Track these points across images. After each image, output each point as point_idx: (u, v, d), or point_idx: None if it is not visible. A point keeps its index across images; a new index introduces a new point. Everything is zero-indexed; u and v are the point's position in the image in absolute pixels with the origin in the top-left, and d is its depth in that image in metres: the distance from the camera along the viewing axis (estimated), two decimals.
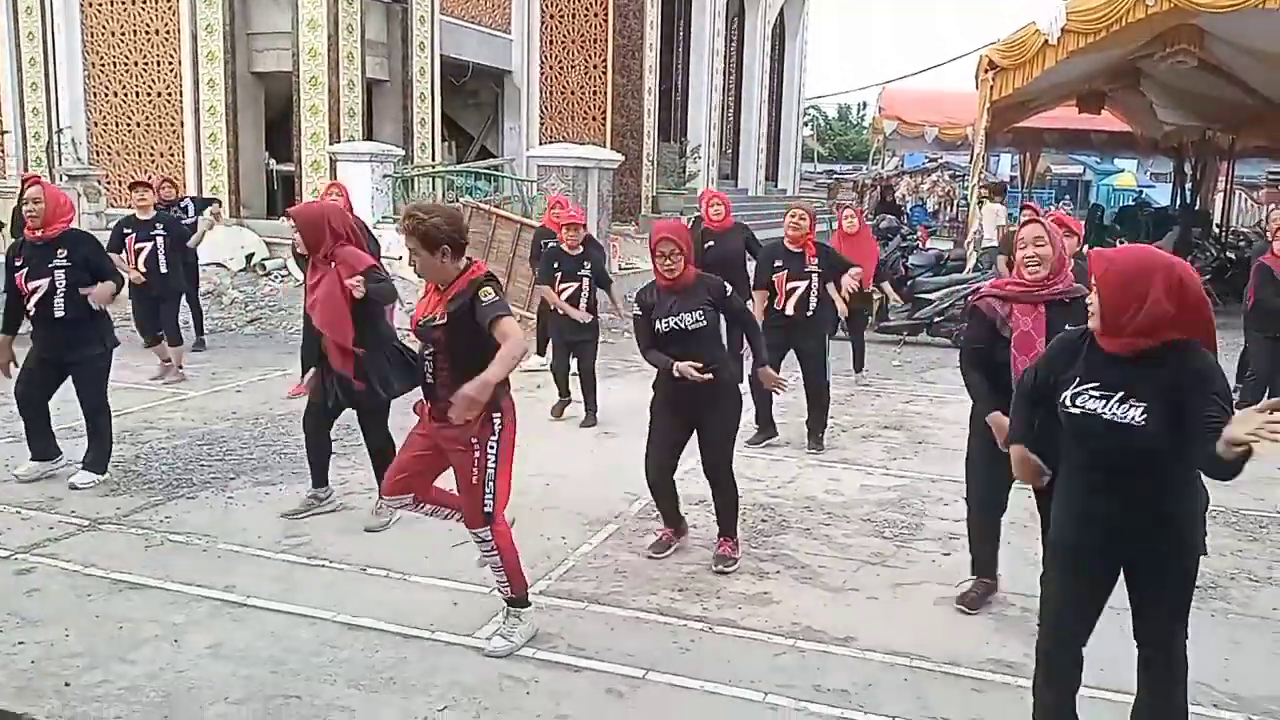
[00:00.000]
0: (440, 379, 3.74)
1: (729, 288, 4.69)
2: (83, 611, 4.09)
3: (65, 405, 5.88)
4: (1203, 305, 2.78)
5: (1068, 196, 46.87)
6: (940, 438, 7.24)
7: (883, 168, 27.08)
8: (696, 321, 4.56)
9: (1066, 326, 3.59)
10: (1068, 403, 2.85)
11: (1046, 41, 12.55)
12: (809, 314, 6.70)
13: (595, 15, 19.65)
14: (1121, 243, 16.23)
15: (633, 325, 4.96)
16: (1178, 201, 25.11)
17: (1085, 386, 2.82)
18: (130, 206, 8.76)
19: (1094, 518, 2.90)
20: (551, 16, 19.88)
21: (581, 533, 5.13)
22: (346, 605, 4.18)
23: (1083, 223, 20.80)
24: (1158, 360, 2.74)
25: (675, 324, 4.57)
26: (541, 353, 8.69)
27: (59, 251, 5.58)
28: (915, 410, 8.25)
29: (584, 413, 7.50)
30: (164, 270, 8.50)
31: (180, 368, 8.67)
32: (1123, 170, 43.89)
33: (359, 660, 3.75)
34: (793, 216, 6.69)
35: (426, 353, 3.79)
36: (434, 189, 15.15)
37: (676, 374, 4.52)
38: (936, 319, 11.45)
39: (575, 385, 7.63)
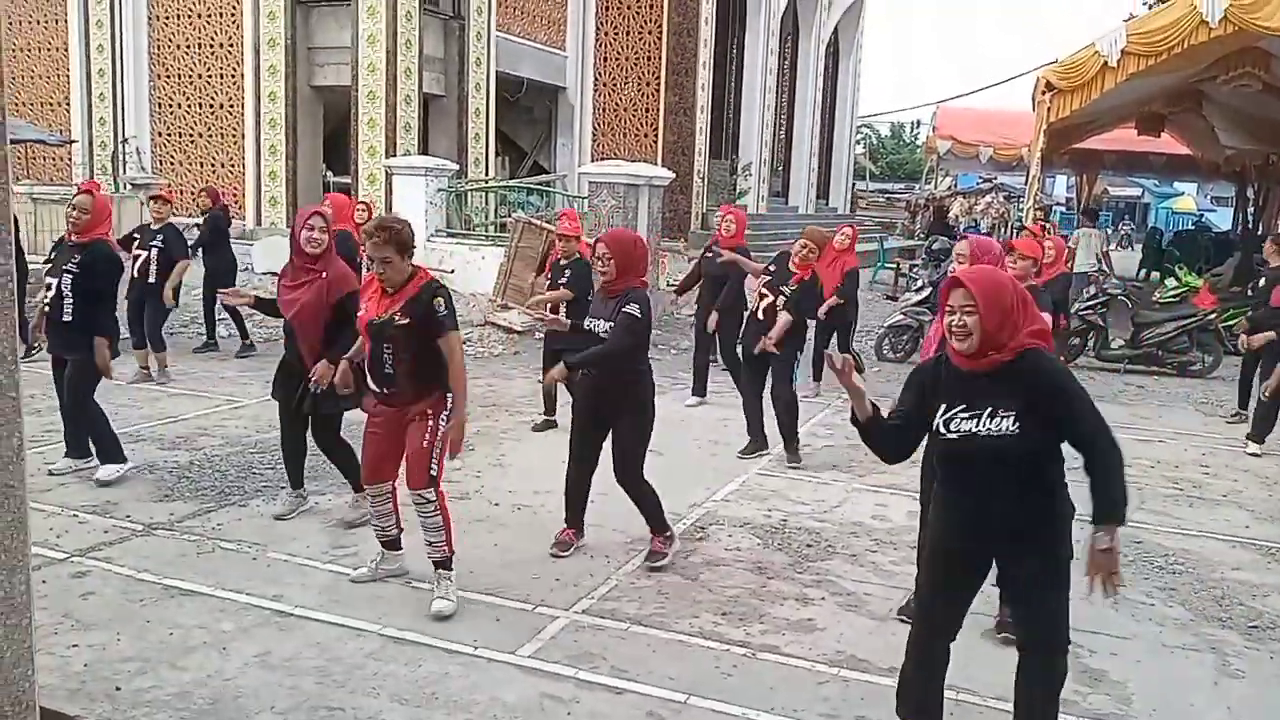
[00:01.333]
0: (401, 369, 4.20)
1: (637, 308, 4.73)
2: (135, 616, 4.17)
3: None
4: (1037, 314, 3.04)
5: (1126, 217, 46.11)
6: None
7: (935, 187, 26.84)
8: (606, 331, 4.76)
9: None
10: (943, 429, 2.99)
11: (1106, 63, 12.39)
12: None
13: (649, 33, 19.77)
14: (1180, 268, 15.93)
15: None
16: (1239, 226, 24.58)
17: (954, 411, 2.96)
18: (190, 215, 9.08)
19: (969, 524, 3.07)
20: (606, 34, 20.05)
21: (625, 552, 5.12)
22: (392, 618, 4.21)
23: (1140, 245, 20.40)
24: (1012, 370, 2.92)
25: (592, 326, 4.83)
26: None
27: (74, 257, 5.76)
28: None
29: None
30: (151, 279, 8.72)
31: (165, 368, 8.84)
32: (1182, 193, 43.07)
33: (403, 674, 3.77)
34: (802, 247, 6.88)
35: (386, 348, 4.18)
36: (486, 203, 15.31)
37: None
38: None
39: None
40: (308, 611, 4.26)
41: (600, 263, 4.79)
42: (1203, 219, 33.44)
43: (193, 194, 16.27)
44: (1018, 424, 2.87)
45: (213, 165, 16.31)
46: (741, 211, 9.03)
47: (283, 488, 5.97)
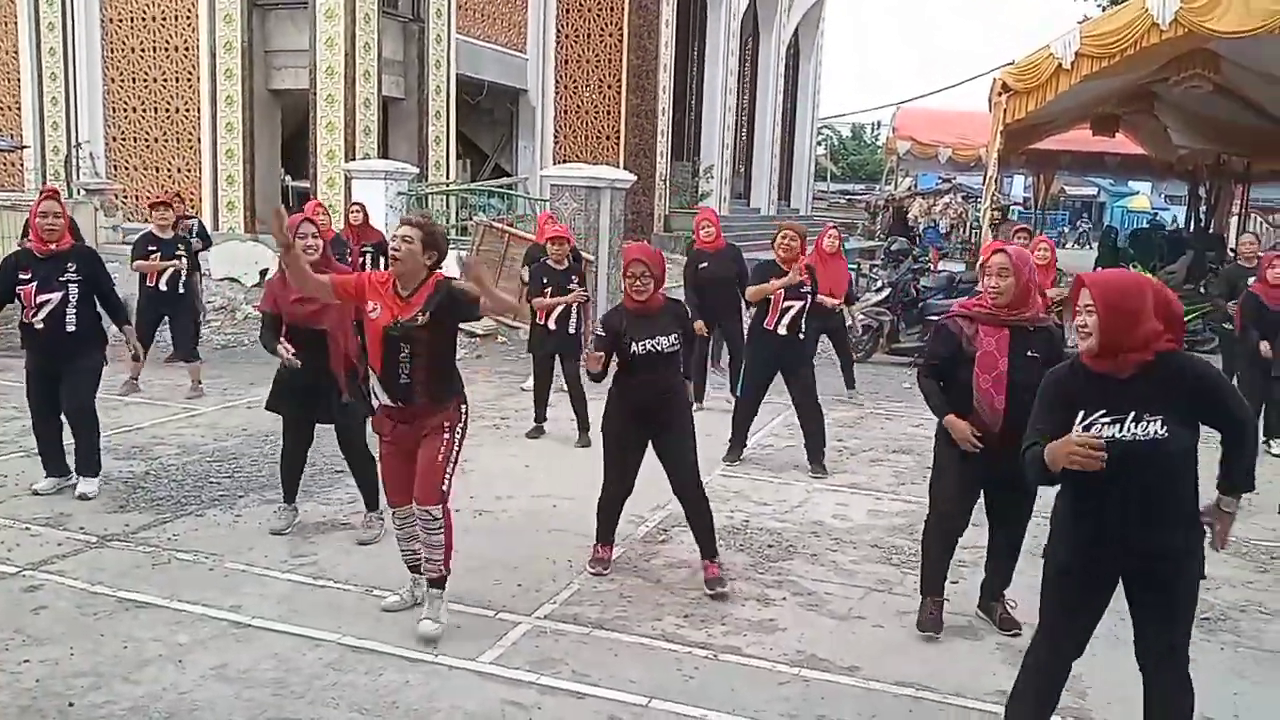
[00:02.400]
0: (417, 377, 4.01)
1: (690, 310, 4.84)
2: (88, 630, 4.10)
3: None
4: (1182, 319, 2.99)
5: (1085, 216, 46.79)
6: None
7: (895, 188, 27.10)
8: (672, 345, 4.66)
9: (1028, 352, 3.92)
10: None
11: (1060, 65, 12.53)
12: (800, 335, 6.73)
13: (610, 36, 19.78)
14: (1135, 266, 16.20)
15: (591, 344, 4.99)
16: (1191, 224, 25.03)
17: (1095, 416, 2.84)
18: (147, 221, 8.88)
19: (1102, 538, 2.94)
20: (567, 37, 20.04)
21: (587, 556, 5.11)
22: (351, 627, 4.18)
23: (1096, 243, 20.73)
24: (1154, 372, 2.85)
25: (653, 347, 4.62)
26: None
27: (69, 266, 5.64)
28: (925, 434, 8.15)
29: (579, 435, 7.36)
30: (181, 290, 8.62)
31: (199, 384, 8.73)
32: (1137, 192, 43.83)
33: (363, 684, 3.74)
34: (784, 237, 6.68)
35: (402, 355, 3.99)
36: (448, 206, 15.25)
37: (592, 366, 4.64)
38: None
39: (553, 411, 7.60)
40: (265, 622, 4.21)
41: (639, 281, 4.59)
42: (1157, 217, 34.01)
43: (147, 199, 16.11)
44: (1165, 428, 2.80)
45: (168, 170, 16.09)
46: (714, 213, 9.05)
47: (240, 497, 5.92)
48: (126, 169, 16.31)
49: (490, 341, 11.92)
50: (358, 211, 9.92)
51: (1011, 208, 25.11)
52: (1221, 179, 22.62)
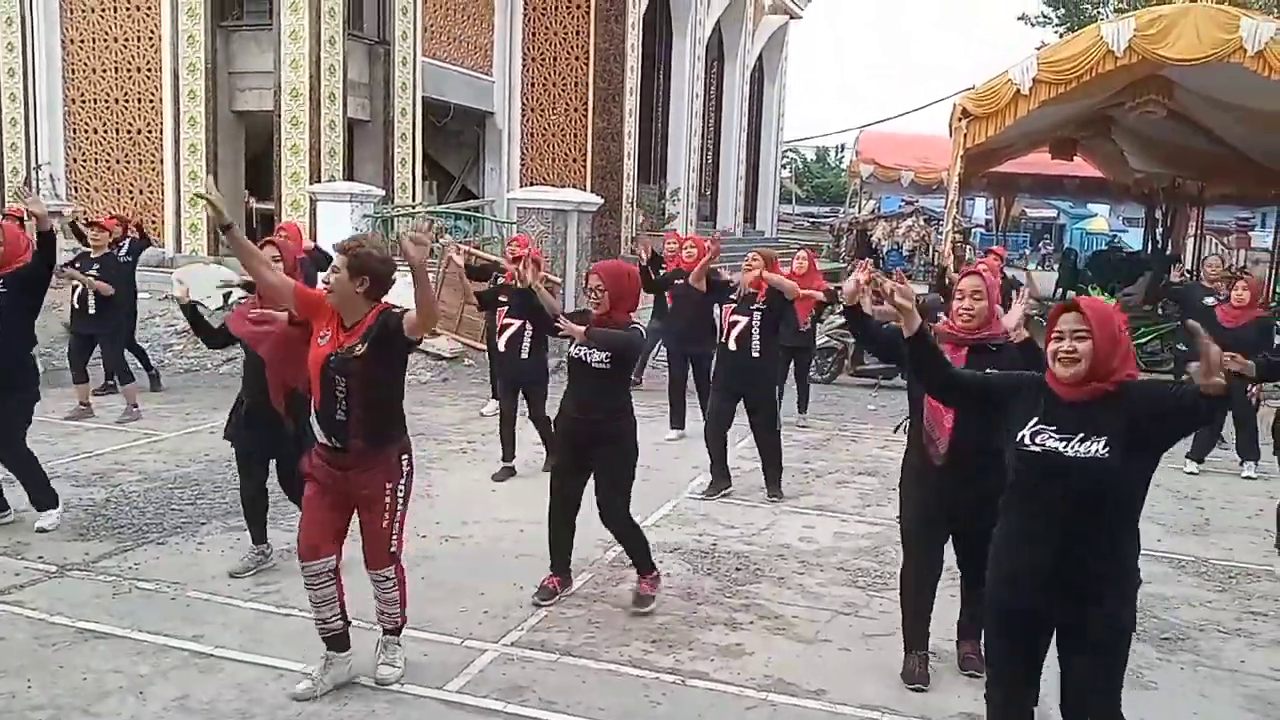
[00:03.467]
0: (354, 415, 3.69)
1: (638, 328, 4.71)
2: (46, 662, 4.03)
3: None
4: (1131, 349, 2.99)
5: (1046, 238, 47.48)
6: None
7: (859, 211, 27.38)
8: (600, 362, 4.56)
9: (987, 370, 3.75)
10: (1026, 441, 2.89)
11: (1019, 91, 12.76)
12: (754, 355, 6.59)
13: (576, 59, 19.88)
14: (1093, 289, 16.47)
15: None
16: (1149, 246, 25.48)
17: (1043, 428, 2.88)
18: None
19: (1033, 571, 2.89)
20: (533, 60, 20.12)
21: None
22: (315, 656, 4.11)
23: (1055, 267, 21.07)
24: (1111, 398, 2.85)
25: (583, 355, 4.59)
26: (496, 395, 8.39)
27: None
28: (890, 456, 8.25)
29: (544, 457, 7.19)
30: (92, 311, 8.39)
31: (135, 405, 8.56)
32: (1096, 215, 44.54)
33: (327, 713, 3.71)
34: (749, 259, 6.66)
35: (339, 390, 3.68)
36: (414, 229, 15.20)
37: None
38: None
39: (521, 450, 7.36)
40: (228, 652, 4.16)
41: (593, 294, 4.58)
42: (1116, 239, 34.60)
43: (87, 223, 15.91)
44: (1108, 448, 2.79)
45: (130, 191, 15.92)
46: (700, 237, 9.05)
47: (203, 524, 5.85)
48: (88, 190, 16.13)
49: (457, 364, 11.88)
50: (286, 237, 9.68)
51: (973, 230, 25.48)
52: (1177, 202, 23.07)
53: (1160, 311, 15.27)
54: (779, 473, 6.87)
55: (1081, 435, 2.82)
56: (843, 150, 59.18)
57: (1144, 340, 14.42)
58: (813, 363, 11.37)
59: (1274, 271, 22.72)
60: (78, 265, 8.47)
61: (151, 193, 15.72)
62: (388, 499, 3.81)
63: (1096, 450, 2.79)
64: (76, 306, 8.47)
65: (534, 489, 6.77)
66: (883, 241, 17.74)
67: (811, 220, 34.27)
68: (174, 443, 7.82)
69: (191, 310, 5.17)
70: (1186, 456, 7.93)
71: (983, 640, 3.31)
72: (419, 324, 3.64)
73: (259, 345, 4.78)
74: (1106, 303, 3.16)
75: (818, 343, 11.67)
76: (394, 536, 3.88)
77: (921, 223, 16.11)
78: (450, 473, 7.19)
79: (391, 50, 16.18)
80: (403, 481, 3.86)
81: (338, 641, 3.89)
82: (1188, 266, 23.77)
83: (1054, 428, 2.86)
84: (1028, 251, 41.59)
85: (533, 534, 5.78)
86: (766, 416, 6.83)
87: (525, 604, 4.80)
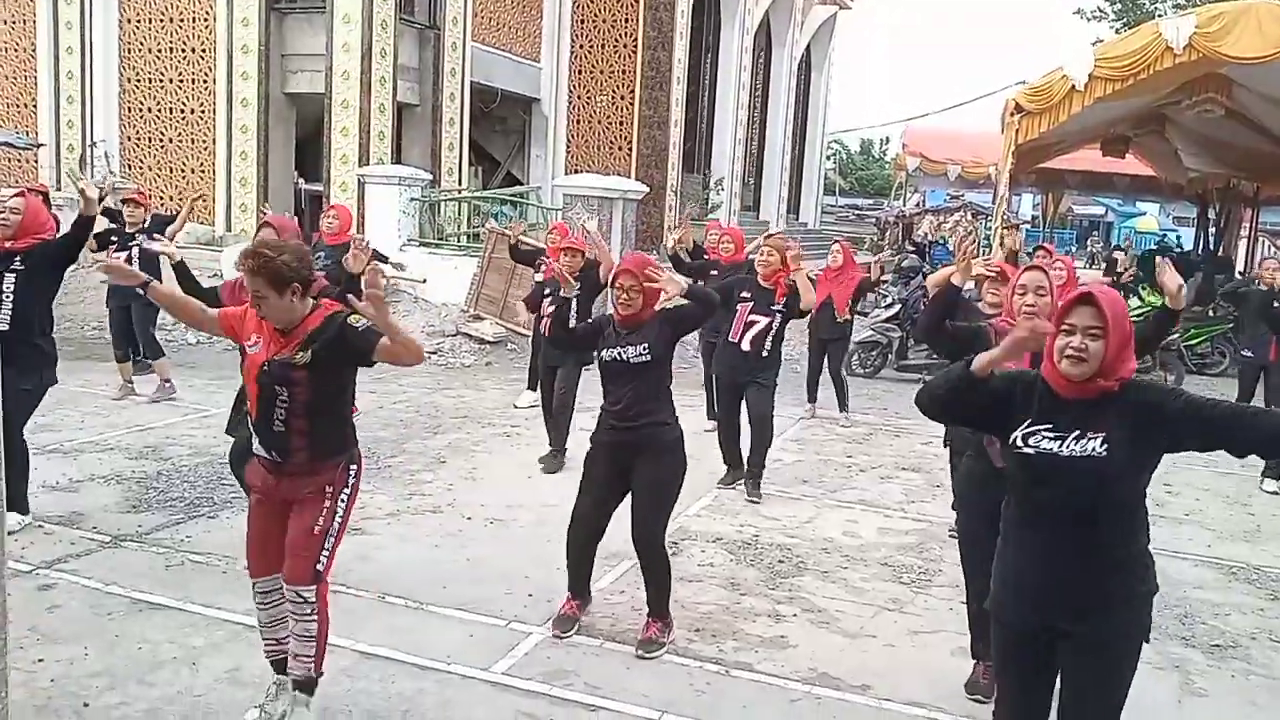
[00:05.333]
0: (294, 426, 3.32)
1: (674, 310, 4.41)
2: (103, 630, 4.12)
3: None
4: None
5: (1094, 234, 46.74)
6: None
7: (904, 204, 27.13)
8: (639, 355, 4.22)
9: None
10: (1019, 443, 2.70)
11: (1074, 87, 12.56)
12: (764, 354, 6.49)
13: (624, 47, 19.84)
14: (1145, 289, 16.22)
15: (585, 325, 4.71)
16: (1200, 247, 25.02)
17: (1037, 428, 2.69)
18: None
19: (1030, 579, 2.74)
20: (581, 47, 20.10)
21: (598, 567, 5.05)
22: (364, 633, 4.19)
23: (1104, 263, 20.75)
24: (1112, 395, 2.67)
25: (619, 355, 4.25)
26: (533, 386, 8.48)
27: (15, 259, 5.17)
28: (934, 452, 8.18)
29: (553, 455, 7.03)
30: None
31: (167, 381, 8.55)
32: (1145, 213, 43.79)
33: (376, 691, 3.76)
34: (762, 253, 6.50)
35: (279, 399, 3.31)
36: (459, 214, 15.29)
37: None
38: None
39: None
40: None
41: (626, 294, 4.24)
42: (1165, 239, 33.99)
43: (159, 200, 16.15)
44: (1105, 445, 2.61)
45: (182, 170, 16.16)
46: (738, 229, 8.98)
47: None
48: (141, 169, 16.38)
49: (500, 349, 11.94)
50: (335, 218, 9.57)
51: (1021, 226, 25.15)
52: (1231, 202, 22.65)
53: (1211, 314, 14.98)
54: (762, 468, 6.64)
55: (1078, 433, 2.64)
56: (888, 143, 58.66)
57: (1194, 342, 14.18)
58: (854, 357, 11.35)
59: None
60: (114, 241, 8.36)
61: (203, 172, 15.93)
62: (326, 503, 3.39)
63: (1093, 449, 2.61)
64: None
65: (575, 475, 6.80)
66: (929, 235, 17.54)
67: (857, 213, 33.95)
68: (223, 418, 7.88)
69: (181, 266, 4.67)
70: (1263, 474, 7.62)
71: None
72: (399, 359, 3.27)
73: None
74: (1115, 292, 2.88)
75: (862, 336, 11.67)
76: (324, 549, 3.40)
77: (969, 218, 15.91)
78: (494, 456, 7.25)
79: (442, 35, 16.25)
80: (345, 492, 3.45)
81: (286, 665, 3.52)
82: (1240, 268, 23.37)
83: (1048, 426, 2.67)
84: (1074, 249, 40.98)
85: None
86: (764, 406, 6.63)
87: None
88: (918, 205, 25.89)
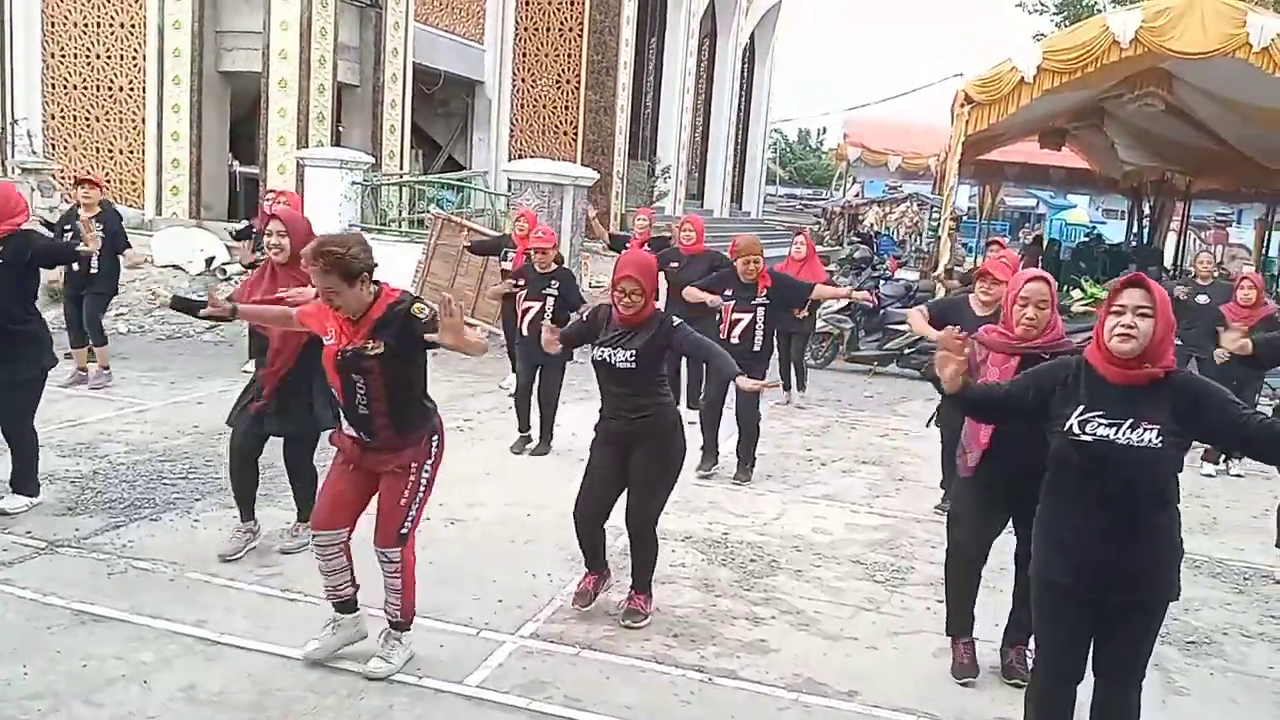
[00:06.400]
0: (375, 409, 3.64)
1: (676, 320, 4.41)
2: (42, 646, 3.83)
3: None
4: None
5: (1026, 226, 47.62)
6: (920, 475, 7.19)
7: (844, 194, 27.26)
8: (625, 361, 4.23)
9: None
10: (1075, 430, 2.84)
11: (1022, 79, 12.65)
12: (755, 348, 6.53)
13: (570, 30, 19.56)
14: (1086, 280, 16.46)
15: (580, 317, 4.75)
16: (1131, 239, 25.57)
17: (1091, 415, 2.83)
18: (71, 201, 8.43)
19: (1086, 555, 2.90)
20: (526, 29, 19.76)
21: (567, 569, 4.95)
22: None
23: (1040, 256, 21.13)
24: (1160, 387, 2.83)
25: (607, 357, 4.27)
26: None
27: None
28: (892, 445, 8.19)
29: (539, 443, 7.19)
30: (94, 269, 7.97)
31: (106, 369, 8.32)
32: (1074, 205, 44.71)
33: (344, 707, 3.54)
34: (745, 262, 6.48)
35: (358, 384, 3.61)
36: (401, 199, 14.91)
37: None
38: (908, 350, 11.44)
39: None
40: (235, 638, 3.98)
41: (629, 297, 4.21)
42: (1094, 230, 34.75)
43: (76, 181, 15.48)
44: (1160, 438, 2.78)
45: (110, 151, 15.48)
46: (698, 217, 8.92)
47: (198, 500, 5.64)
48: (65, 149, 15.65)
49: None
50: (285, 203, 9.37)
51: (961, 218, 25.46)
52: (1164, 196, 23.15)
53: None
54: (751, 455, 6.79)
55: (1131, 421, 2.79)
56: (825, 133, 59.06)
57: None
58: (808, 347, 11.28)
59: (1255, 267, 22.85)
60: (69, 229, 8.05)
61: (132, 153, 15.29)
62: (412, 476, 3.74)
63: (1150, 439, 2.77)
64: (77, 268, 7.99)
65: (540, 471, 6.66)
66: (875, 226, 17.61)
67: (803, 203, 34.05)
68: (160, 413, 7.57)
69: (183, 303, 4.72)
70: (1203, 458, 7.81)
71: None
72: (462, 352, 3.56)
73: (268, 330, 4.68)
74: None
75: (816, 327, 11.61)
76: (408, 517, 3.76)
77: (915, 208, 15.98)
78: (449, 452, 6.96)
79: (383, 14, 15.80)
80: (429, 462, 3.79)
81: (347, 605, 3.89)
82: (1169, 261, 23.92)
83: (1101, 413, 2.82)
84: (1006, 240, 41.67)
85: (539, 519, 5.66)
86: (752, 397, 6.59)
87: (538, 592, 4.65)
88: (858, 195, 26.04)
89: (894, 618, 4.65)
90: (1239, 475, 7.78)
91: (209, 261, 13.38)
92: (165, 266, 13.01)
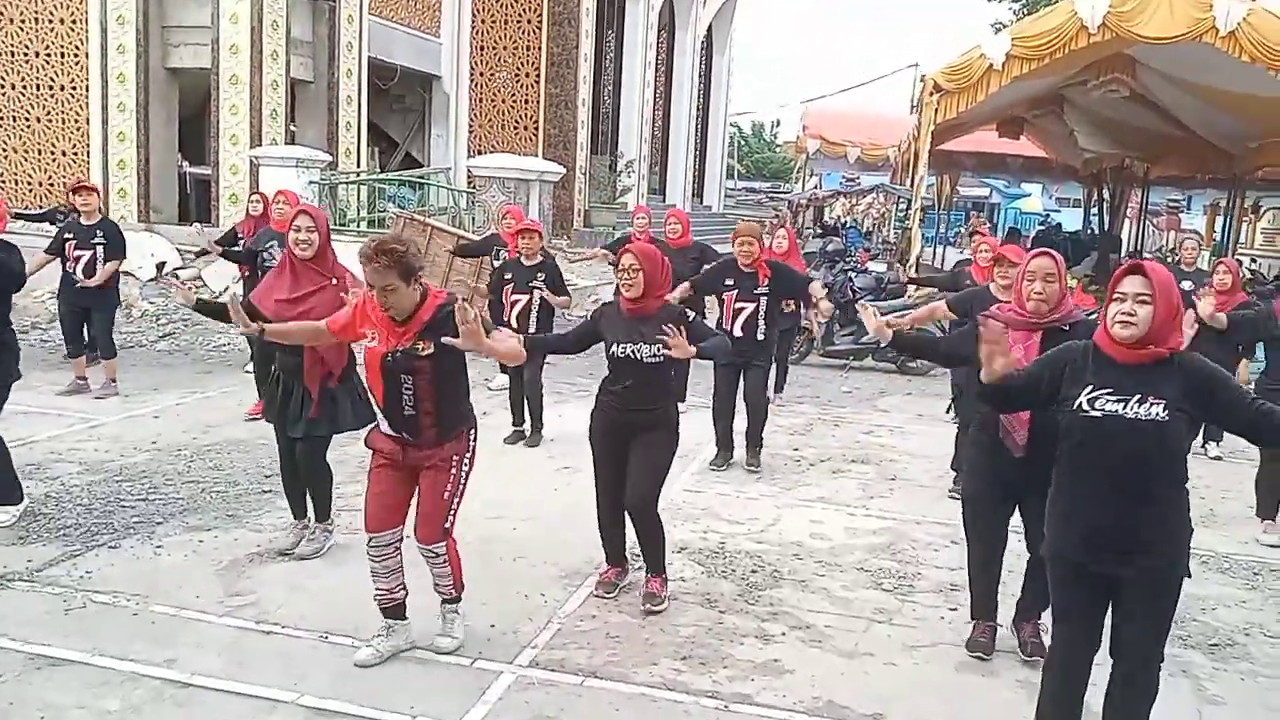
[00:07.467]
0: (422, 409, 3.67)
1: (690, 314, 4.44)
2: None
3: None
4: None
5: (981, 215, 47.97)
6: (911, 473, 7.01)
7: (802, 186, 27.14)
8: (654, 356, 4.25)
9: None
10: (1085, 406, 2.94)
11: (991, 66, 12.57)
12: (759, 338, 6.57)
13: (529, 22, 19.19)
14: None
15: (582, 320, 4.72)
16: (1089, 226, 25.76)
17: (1100, 392, 2.93)
18: (29, 207, 8.08)
19: (1095, 522, 2.99)
20: (483, 22, 19.35)
21: (561, 588, 4.67)
22: (310, 684, 3.64)
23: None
24: (1166, 365, 2.92)
25: (632, 352, 4.28)
26: (504, 369, 8.19)
27: None
28: (878, 442, 7.99)
29: (530, 434, 7.27)
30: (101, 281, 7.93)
31: (113, 380, 8.18)
32: (1029, 194, 45.10)
33: None
34: (743, 245, 6.48)
35: (405, 386, 3.65)
36: (358, 197, 14.48)
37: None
38: (883, 344, 11.26)
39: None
40: (208, 680, 3.64)
41: (626, 274, 4.28)
42: (1049, 218, 35.03)
43: (28, 184, 14.86)
44: (1166, 411, 2.86)
45: (53, 152, 14.86)
46: (683, 211, 8.79)
47: (160, 523, 5.27)
48: (5, 151, 15.02)
49: None
50: (257, 201, 9.13)
51: (929, 209, 25.45)
52: (1123, 183, 23.32)
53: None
54: (759, 439, 6.88)
55: (1139, 397, 2.89)
56: (778, 125, 59.02)
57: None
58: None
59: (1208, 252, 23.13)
60: (70, 236, 7.87)
61: (76, 154, 14.69)
62: (453, 470, 3.78)
63: (1157, 413, 2.87)
64: (81, 277, 7.81)
65: (524, 481, 6.35)
66: (843, 218, 17.48)
67: (771, 197, 33.92)
68: (115, 428, 7.16)
69: (207, 308, 4.57)
70: (1204, 439, 7.89)
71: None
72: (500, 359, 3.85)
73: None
74: (1164, 266, 3.14)
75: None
76: (451, 511, 3.83)
77: (882, 200, 15.88)
78: None
79: (337, 7, 15.30)
80: (468, 456, 3.84)
81: (398, 610, 3.90)
82: (1128, 248, 24.11)
83: (1110, 390, 2.92)
84: (963, 229, 41.90)
85: (525, 532, 5.38)
86: (760, 381, 6.86)
87: (534, 616, 4.36)
88: (816, 187, 25.93)
89: (909, 629, 4.42)
90: (1217, 458, 7.73)
91: (160, 267, 12.87)
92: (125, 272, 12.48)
